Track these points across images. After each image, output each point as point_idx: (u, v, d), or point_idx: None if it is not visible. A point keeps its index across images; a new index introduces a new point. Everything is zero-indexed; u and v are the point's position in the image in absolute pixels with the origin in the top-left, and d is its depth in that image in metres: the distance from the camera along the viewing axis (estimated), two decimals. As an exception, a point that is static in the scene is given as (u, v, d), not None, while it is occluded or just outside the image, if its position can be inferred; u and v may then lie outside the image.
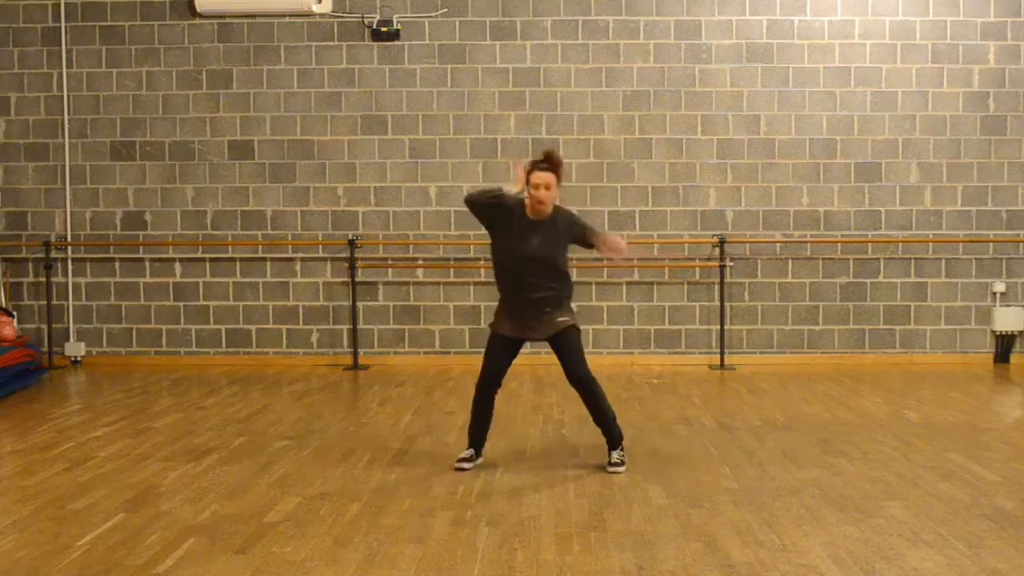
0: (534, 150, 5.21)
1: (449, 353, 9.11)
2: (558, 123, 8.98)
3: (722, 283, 8.92)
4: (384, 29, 8.95)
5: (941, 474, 5.14)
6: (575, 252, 5.46)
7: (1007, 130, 8.96)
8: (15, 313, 8.91)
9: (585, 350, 5.36)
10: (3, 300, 9.04)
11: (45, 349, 9.03)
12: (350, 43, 9.07)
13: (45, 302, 9.18)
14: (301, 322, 9.17)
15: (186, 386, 8.09)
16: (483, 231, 5.40)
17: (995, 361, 9.01)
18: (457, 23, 9.01)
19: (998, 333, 9.01)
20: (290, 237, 9.15)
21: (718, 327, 8.94)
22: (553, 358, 5.42)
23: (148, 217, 9.21)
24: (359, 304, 9.10)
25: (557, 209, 5.25)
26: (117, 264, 9.25)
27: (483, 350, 5.34)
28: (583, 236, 5.28)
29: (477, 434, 5.38)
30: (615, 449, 5.30)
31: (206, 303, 9.21)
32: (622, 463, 5.25)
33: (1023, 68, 8.93)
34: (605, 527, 4.28)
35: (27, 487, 5.01)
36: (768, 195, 9.01)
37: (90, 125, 9.18)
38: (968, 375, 8.41)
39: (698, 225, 9.03)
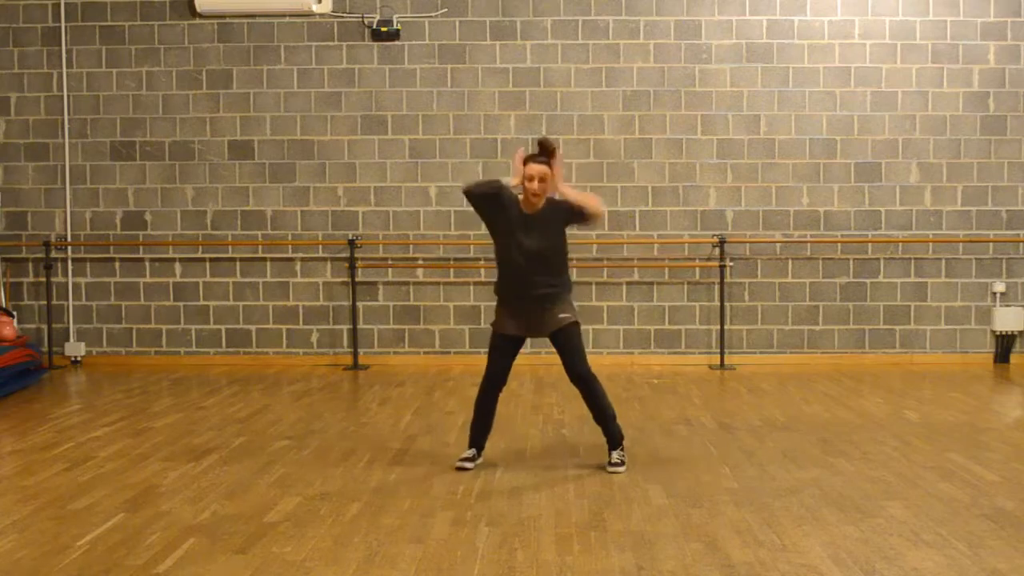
0: (534, 149, 5.21)
1: (449, 353, 9.11)
2: (558, 123, 8.98)
3: (722, 283, 8.92)
4: (384, 29, 8.95)
5: (941, 474, 5.14)
6: (575, 252, 5.46)
7: (1007, 130, 8.96)
8: (15, 313, 8.91)
9: (585, 350, 5.35)
10: (3, 300, 9.04)
11: (45, 349, 9.03)
12: (350, 43, 9.07)
13: (45, 302, 9.18)
14: (301, 322, 9.17)
15: (186, 386, 8.09)
16: (483, 231, 5.40)
17: (995, 361, 9.01)
18: (457, 23, 9.01)
19: (998, 333, 9.01)
20: (290, 237, 9.15)
21: (718, 327, 8.94)
22: (553, 358, 5.42)
23: (148, 217, 9.21)
24: (359, 304, 9.10)
25: (549, 201, 5.23)
26: (117, 264, 9.25)
27: (483, 350, 5.35)
28: (571, 212, 5.20)
29: (479, 434, 5.38)
30: (615, 449, 5.30)
31: (206, 303, 9.21)
32: (622, 463, 5.25)
33: (1023, 68, 8.94)
34: (605, 527, 4.28)
35: (27, 487, 5.01)
36: (768, 195, 9.01)
37: (90, 125, 9.18)
38: (968, 375, 8.41)
39: (698, 225, 9.03)
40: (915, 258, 9.03)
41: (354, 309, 9.06)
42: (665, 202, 9.02)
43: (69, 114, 9.16)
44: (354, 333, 9.03)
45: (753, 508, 4.54)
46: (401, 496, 4.78)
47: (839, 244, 9.01)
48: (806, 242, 9.02)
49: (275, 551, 4.00)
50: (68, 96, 9.15)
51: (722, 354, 8.87)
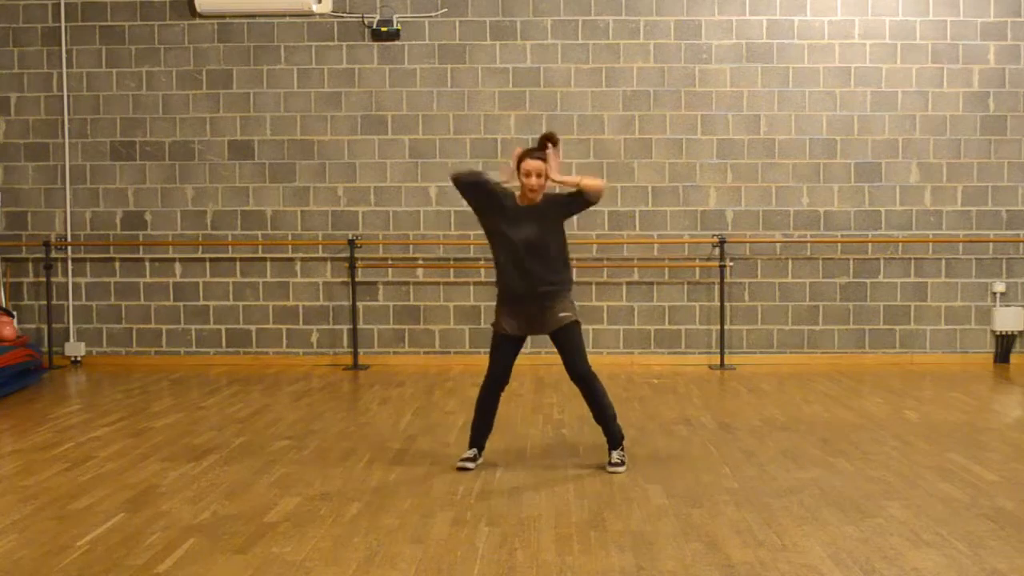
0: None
1: (449, 353, 9.11)
2: (558, 123, 8.97)
3: (722, 283, 8.92)
4: (384, 29, 8.95)
5: (941, 474, 5.14)
6: (575, 252, 5.46)
7: (1007, 130, 8.96)
8: (15, 313, 8.91)
9: (586, 349, 5.35)
10: (3, 300, 9.04)
11: (45, 349, 9.03)
12: (350, 43, 9.07)
13: (45, 302, 9.18)
14: (301, 322, 9.17)
15: (186, 386, 8.09)
16: (483, 232, 5.38)
17: (995, 361, 9.01)
18: (457, 23, 9.01)
19: (998, 333, 9.01)
20: (290, 237, 9.15)
21: (718, 327, 8.94)
22: (553, 358, 5.42)
23: (148, 217, 9.21)
24: (359, 304, 9.10)
25: (546, 196, 5.22)
26: (117, 264, 9.25)
27: (483, 350, 5.35)
28: (569, 200, 5.18)
29: (480, 434, 5.38)
30: (615, 449, 5.30)
31: (206, 303, 9.21)
32: (622, 463, 5.25)
33: (1023, 68, 8.94)
34: (605, 527, 4.28)
35: (27, 487, 5.01)
36: (768, 195, 9.01)
37: (90, 125, 9.18)
38: (968, 375, 8.41)
39: (698, 225, 9.03)
40: (915, 258, 9.03)
41: (354, 309, 9.06)
42: (665, 202, 9.02)
43: (69, 114, 9.16)
44: (354, 333, 9.03)
45: (753, 508, 4.55)
46: (401, 496, 4.78)
47: (839, 244, 9.01)
48: (806, 242, 9.02)
49: (275, 551, 4.00)
50: (68, 96, 9.15)
51: (722, 354, 8.87)
